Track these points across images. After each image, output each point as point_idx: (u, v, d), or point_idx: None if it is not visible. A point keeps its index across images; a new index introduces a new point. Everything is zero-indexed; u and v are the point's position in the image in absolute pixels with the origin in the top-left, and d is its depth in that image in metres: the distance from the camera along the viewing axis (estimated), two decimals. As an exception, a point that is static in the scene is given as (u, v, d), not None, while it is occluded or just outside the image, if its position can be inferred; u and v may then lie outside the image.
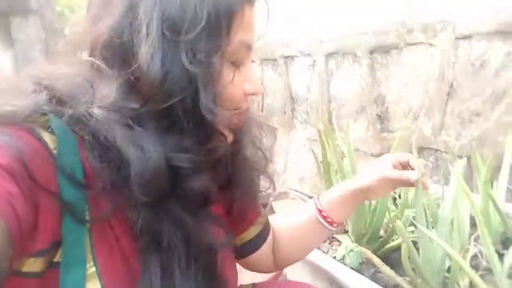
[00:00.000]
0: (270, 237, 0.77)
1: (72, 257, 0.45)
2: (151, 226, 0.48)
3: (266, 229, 0.76)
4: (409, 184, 0.73)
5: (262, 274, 0.83)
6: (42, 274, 0.44)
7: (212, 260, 0.54)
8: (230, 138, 0.57)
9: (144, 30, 0.47)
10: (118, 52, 0.48)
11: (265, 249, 0.76)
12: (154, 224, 0.48)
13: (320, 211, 0.75)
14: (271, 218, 0.79)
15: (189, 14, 0.47)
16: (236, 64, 0.54)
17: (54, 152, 0.45)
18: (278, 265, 0.80)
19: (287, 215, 0.83)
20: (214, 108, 0.48)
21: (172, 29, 0.47)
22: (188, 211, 0.50)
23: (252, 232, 0.74)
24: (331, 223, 0.75)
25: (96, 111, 0.45)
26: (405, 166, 0.76)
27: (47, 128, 0.45)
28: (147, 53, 0.46)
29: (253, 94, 0.56)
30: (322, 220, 0.75)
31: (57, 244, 0.45)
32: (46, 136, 0.45)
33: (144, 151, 0.45)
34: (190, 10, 0.47)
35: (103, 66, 0.48)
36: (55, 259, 0.45)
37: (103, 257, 0.47)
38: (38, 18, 4.12)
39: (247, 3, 0.52)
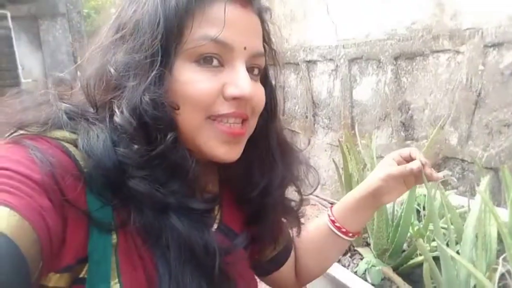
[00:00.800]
0: (292, 254, 0.77)
1: (97, 273, 0.46)
2: (157, 234, 0.48)
3: (288, 246, 0.76)
4: (415, 176, 0.70)
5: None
6: None
7: (214, 265, 0.51)
8: (224, 151, 0.54)
9: (104, 30, 0.52)
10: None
11: (288, 266, 0.76)
12: (159, 233, 0.48)
13: (333, 222, 0.74)
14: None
15: (134, 14, 0.50)
16: (210, 64, 0.51)
17: (85, 170, 0.46)
18: (300, 281, 0.80)
19: (306, 230, 0.82)
20: (155, 100, 0.47)
21: (118, 29, 0.51)
22: (183, 216, 0.49)
23: (274, 250, 0.73)
24: (346, 233, 0.74)
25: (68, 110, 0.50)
26: (409, 160, 0.73)
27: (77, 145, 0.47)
28: (94, 53, 0.51)
29: (237, 98, 0.51)
30: (336, 231, 0.74)
31: (82, 260, 0.45)
32: (77, 154, 0.47)
33: (96, 146, 0.47)
34: (138, 9, 0.50)
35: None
36: (81, 275, 0.46)
37: (127, 274, 0.47)
38: (65, 21, 4.23)
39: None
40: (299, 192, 0.69)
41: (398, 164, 0.72)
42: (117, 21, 0.52)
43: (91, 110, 0.52)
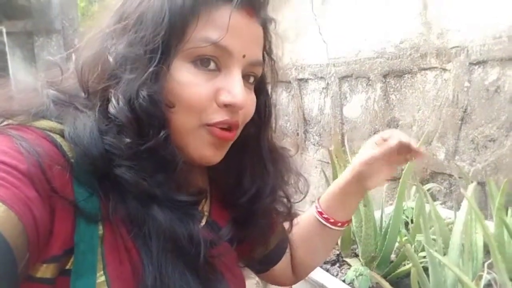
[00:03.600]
0: (288, 250, 0.78)
1: (83, 265, 0.45)
2: (141, 225, 0.48)
3: (283, 244, 0.76)
4: (398, 155, 0.69)
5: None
6: (53, 281, 0.45)
7: (199, 256, 0.51)
8: (209, 153, 0.54)
9: (105, 21, 0.53)
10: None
11: (283, 262, 0.76)
12: (143, 223, 0.48)
13: (320, 213, 0.74)
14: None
15: (140, 5, 0.51)
16: (207, 67, 0.51)
17: (72, 160, 0.46)
18: (297, 275, 0.80)
19: (297, 226, 0.82)
20: (152, 97, 0.47)
21: (121, 19, 0.51)
22: (165, 208, 0.49)
23: (270, 244, 0.73)
24: (335, 223, 0.74)
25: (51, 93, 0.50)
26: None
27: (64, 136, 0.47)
28: (92, 40, 0.52)
29: (229, 106, 0.52)
30: (324, 222, 0.74)
31: (69, 251, 0.45)
32: (64, 144, 0.47)
33: (89, 130, 0.47)
34: (144, 1, 0.51)
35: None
36: (67, 267, 0.45)
37: (113, 266, 0.47)
38: (61, 38, 4.26)
39: (223, 4, 0.51)
40: (288, 199, 0.69)
41: (378, 145, 0.72)
42: (121, 9, 0.53)
43: (82, 95, 0.52)
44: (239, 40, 0.52)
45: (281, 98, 2.78)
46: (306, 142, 2.59)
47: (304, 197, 0.71)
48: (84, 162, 0.46)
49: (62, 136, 0.47)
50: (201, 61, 0.51)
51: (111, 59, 0.49)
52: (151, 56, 0.49)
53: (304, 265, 0.80)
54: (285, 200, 0.69)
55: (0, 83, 0.51)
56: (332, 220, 0.74)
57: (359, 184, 0.73)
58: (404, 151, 0.69)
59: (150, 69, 0.48)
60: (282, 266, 0.76)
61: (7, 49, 3.71)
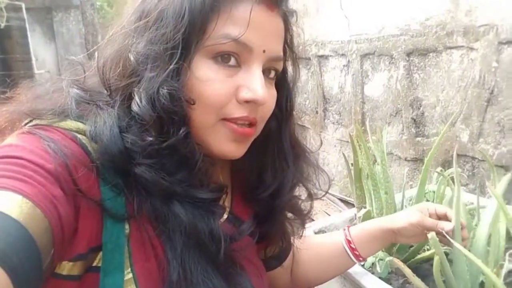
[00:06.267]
0: (290, 256, 0.78)
1: (112, 262, 0.47)
2: (164, 222, 0.49)
3: (288, 248, 0.77)
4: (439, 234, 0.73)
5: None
6: (80, 277, 0.46)
7: (219, 251, 0.52)
8: (231, 148, 0.54)
9: (125, 19, 0.53)
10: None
11: (285, 266, 0.78)
12: (166, 220, 0.49)
13: (349, 242, 0.75)
14: (303, 239, 0.78)
15: (160, 2, 0.50)
16: (228, 64, 0.51)
17: (98, 161, 0.47)
18: (295, 284, 0.82)
19: (316, 239, 0.84)
20: (172, 94, 0.48)
21: (141, 16, 0.51)
22: (187, 204, 0.50)
23: (274, 249, 0.75)
24: (357, 256, 0.75)
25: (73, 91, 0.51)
26: (442, 218, 0.76)
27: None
28: (114, 37, 0.52)
29: (249, 102, 0.52)
30: (349, 252, 0.75)
31: (95, 249, 0.46)
32: (89, 145, 0.47)
33: (109, 128, 0.47)
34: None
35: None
36: (94, 264, 0.47)
37: (140, 263, 0.49)
38: (79, 13, 4.26)
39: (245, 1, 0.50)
40: (309, 195, 0.69)
41: (430, 216, 0.75)
42: (141, 7, 0.53)
43: (105, 92, 0.52)
44: (259, 35, 0.51)
45: (301, 75, 2.74)
46: (325, 121, 2.57)
47: (326, 194, 0.71)
48: (104, 159, 0.46)
49: (88, 136, 0.48)
50: (222, 58, 0.51)
51: (132, 57, 0.49)
52: (172, 53, 0.49)
53: (306, 279, 0.81)
54: (304, 196, 0.69)
55: (27, 84, 0.52)
56: (356, 253, 0.75)
57: (394, 236, 0.76)
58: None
59: (171, 67, 0.48)
60: (283, 270, 0.78)
61: (27, 25, 3.73)
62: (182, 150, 0.49)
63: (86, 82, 0.55)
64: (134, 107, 0.48)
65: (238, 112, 0.52)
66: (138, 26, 0.51)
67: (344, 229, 0.77)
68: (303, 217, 0.71)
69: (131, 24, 0.52)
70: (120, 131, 0.48)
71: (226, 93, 0.51)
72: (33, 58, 3.77)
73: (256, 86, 0.51)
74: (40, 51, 4.14)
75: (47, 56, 4.26)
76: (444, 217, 0.75)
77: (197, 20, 0.49)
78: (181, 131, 0.49)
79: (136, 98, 0.48)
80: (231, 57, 0.51)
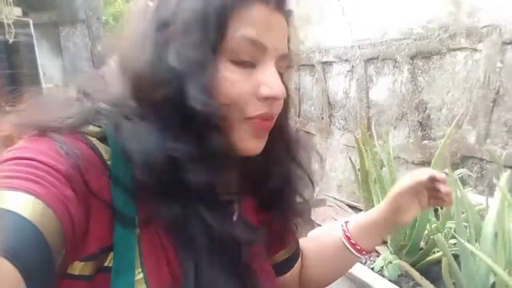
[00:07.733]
0: (299, 261, 0.78)
1: (122, 263, 0.47)
2: (182, 226, 0.49)
3: (296, 253, 0.77)
4: (428, 192, 0.71)
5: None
6: (91, 277, 0.46)
7: (236, 255, 0.53)
8: (253, 144, 0.55)
9: (140, 27, 0.53)
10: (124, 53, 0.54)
11: (293, 272, 0.77)
12: (184, 224, 0.49)
13: (348, 238, 0.74)
14: (301, 242, 0.78)
15: (179, 9, 0.51)
16: (244, 64, 0.52)
17: (108, 163, 0.48)
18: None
19: (315, 240, 0.83)
20: (205, 99, 0.48)
21: (163, 25, 0.51)
22: (210, 208, 0.51)
23: (283, 254, 0.74)
24: (360, 251, 0.74)
25: (102, 106, 0.50)
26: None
27: (102, 139, 0.49)
28: (139, 48, 0.51)
29: (269, 98, 0.53)
30: (350, 247, 0.74)
31: (105, 249, 0.47)
32: (101, 148, 0.48)
33: (143, 142, 0.47)
34: (181, 5, 0.51)
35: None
36: (105, 264, 0.47)
37: (150, 264, 0.49)
38: (85, 27, 4.32)
39: (258, 1, 0.51)
40: (312, 184, 0.69)
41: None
42: (158, 14, 0.53)
43: (131, 104, 0.51)
44: (272, 35, 0.53)
45: (305, 82, 2.75)
46: (331, 127, 2.56)
47: (315, 195, 0.71)
48: (143, 172, 0.46)
49: (99, 139, 0.49)
50: (239, 59, 0.52)
51: (162, 68, 0.50)
52: (201, 59, 0.50)
53: (314, 282, 0.80)
54: (304, 192, 0.69)
55: (35, 93, 0.53)
56: (358, 247, 0.74)
57: (392, 216, 0.73)
58: (434, 194, 0.70)
59: (202, 73, 0.49)
60: (292, 276, 0.76)
61: (34, 40, 3.79)
62: (217, 153, 0.50)
63: (101, 94, 0.55)
64: (171, 116, 0.49)
65: (260, 109, 0.54)
66: (162, 36, 0.51)
67: (342, 225, 0.76)
68: (308, 209, 0.70)
69: (152, 33, 0.52)
70: (160, 140, 0.48)
71: (247, 92, 0.52)
72: (41, 73, 3.83)
73: (274, 83, 0.53)
74: (48, 65, 4.19)
75: (55, 70, 4.31)
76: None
77: (218, 23, 0.50)
78: (216, 134, 0.50)
79: (171, 107, 0.49)
80: (248, 58, 0.53)
